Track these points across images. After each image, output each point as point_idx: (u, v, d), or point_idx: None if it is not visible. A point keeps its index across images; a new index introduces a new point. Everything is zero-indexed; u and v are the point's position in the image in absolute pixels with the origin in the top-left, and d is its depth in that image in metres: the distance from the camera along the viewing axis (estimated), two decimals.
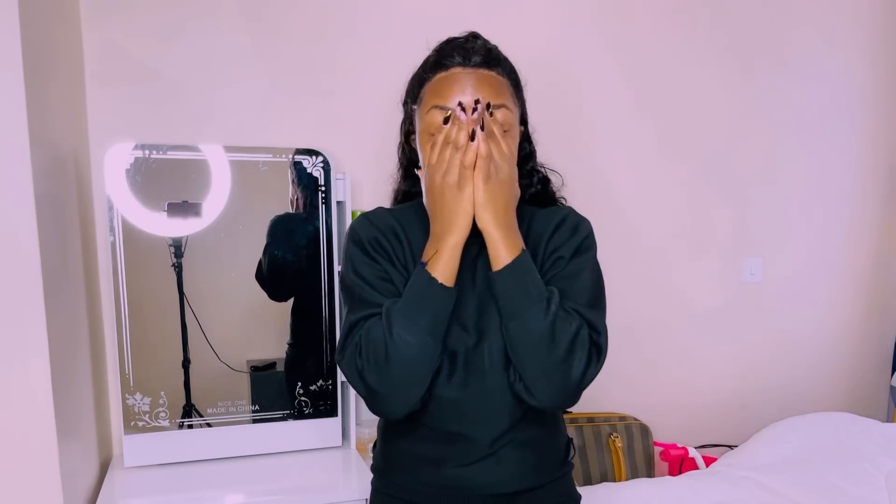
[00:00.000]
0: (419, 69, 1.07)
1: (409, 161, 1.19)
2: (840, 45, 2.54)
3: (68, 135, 1.62)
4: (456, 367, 1.02)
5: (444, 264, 0.95)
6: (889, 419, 2.78)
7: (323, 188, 1.82)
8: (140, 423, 1.74)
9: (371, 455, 1.95)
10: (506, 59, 1.06)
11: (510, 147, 0.96)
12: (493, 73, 1.01)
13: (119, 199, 1.67)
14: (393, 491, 1.13)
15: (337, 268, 1.86)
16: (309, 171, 1.81)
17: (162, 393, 1.75)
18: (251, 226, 1.79)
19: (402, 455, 1.11)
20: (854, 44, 2.56)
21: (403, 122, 1.15)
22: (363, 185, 2.05)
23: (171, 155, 1.70)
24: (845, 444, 2.25)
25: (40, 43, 1.37)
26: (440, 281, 0.95)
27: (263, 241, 1.80)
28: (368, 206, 2.04)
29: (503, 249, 0.95)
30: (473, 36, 1.07)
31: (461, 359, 1.02)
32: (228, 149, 1.75)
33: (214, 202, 1.75)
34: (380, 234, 1.06)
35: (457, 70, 1.00)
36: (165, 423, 1.76)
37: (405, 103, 1.11)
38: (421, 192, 1.05)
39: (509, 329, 0.96)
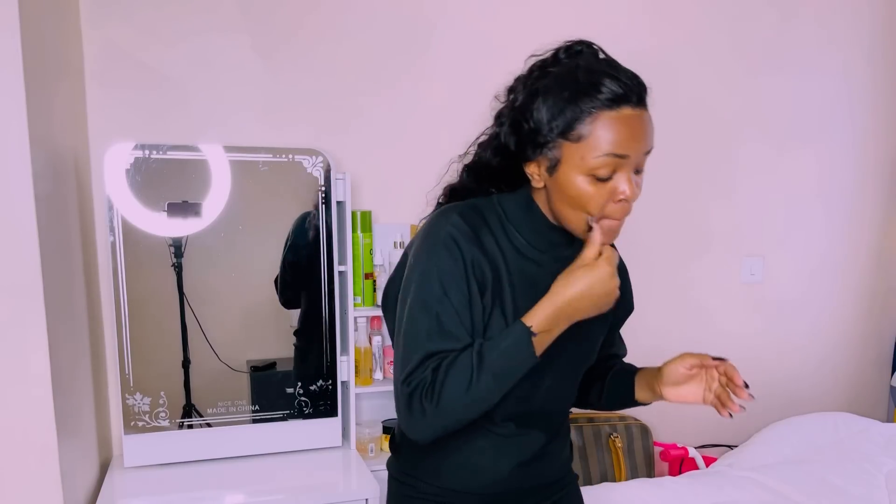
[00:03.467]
0: (565, 91, 0.93)
1: (504, 168, 1.05)
2: (840, 43, 2.54)
3: (68, 135, 1.62)
4: (540, 369, 1.01)
5: (550, 342, 0.95)
6: (889, 419, 2.78)
7: (323, 188, 1.82)
8: (140, 423, 1.74)
9: (371, 454, 1.96)
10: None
11: None
12: (649, 115, 0.98)
13: (119, 200, 1.67)
14: (427, 493, 1.10)
15: (338, 267, 1.86)
16: (309, 171, 1.81)
17: (162, 393, 1.75)
18: (251, 226, 1.79)
19: (449, 461, 1.08)
20: (854, 42, 2.55)
21: (520, 132, 0.98)
22: (363, 185, 2.05)
23: (171, 155, 1.70)
24: (845, 444, 2.25)
25: (40, 43, 1.37)
26: (537, 356, 0.94)
27: (265, 241, 1.81)
28: (368, 206, 2.06)
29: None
30: (599, 49, 1.00)
31: (547, 377, 1.06)
32: (228, 149, 1.75)
33: (214, 202, 1.75)
34: (480, 252, 0.98)
35: (627, 112, 0.93)
36: (165, 423, 1.76)
37: (529, 119, 0.97)
38: (472, 192, 1.08)
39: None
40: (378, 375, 2.00)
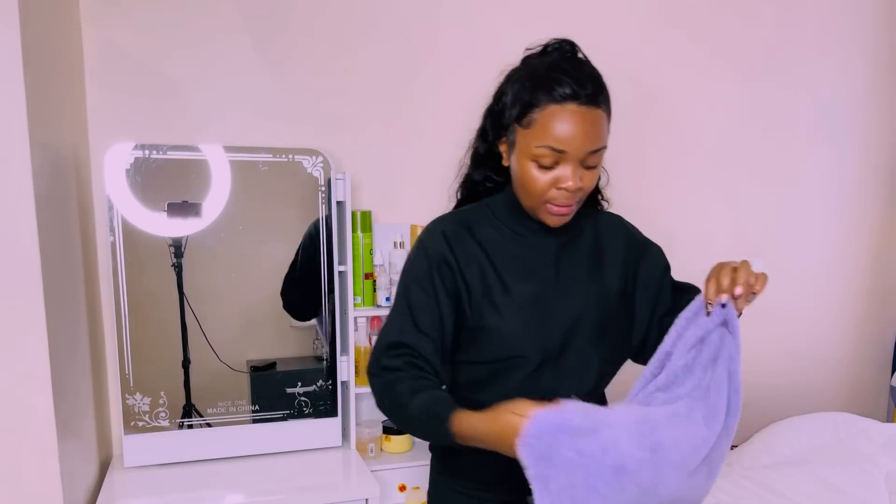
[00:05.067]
0: (528, 81, 1.04)
1: (486, 152, 1.17)
2: (841, 44, 2.54)
3: (68, 135, 1.62)
4: (552, 357, 1.11)
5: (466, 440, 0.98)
6: (889, 419, 2.78)
7: (323, 188, 1.82)
8: (140, 423, 1.74)
9: (371, 454, 1.96)
10: (604, 85, 1.07)
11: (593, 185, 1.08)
12: (599, 111, 1.03)
13: (119, 199, 1.67)
14: (462, 473, 1.18)
15: (338, 267, 1.86)
16: (309, 171, 1.81)
17: (162, 393, 1.75)
18: (251, 226, 1.79)
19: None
20: (856, 43, 2.55)
21: (493, 114, 1.13)
22: (363, 185, 2.05)
23: (171, 155, 1.70)
24: (845, 444, 2.24)
25: (40, 43, 1.37)
26: (451, 440, 0.99)
27: (265, 241, 1.81)
28: (368, 206, 2.06)
29: None
30: (572, 49, 1.09)
31: (557, 351, 1.11)
32: (228, 149, 1.75)
33: (214, 202, 1.75)
34: (452, 255, 1.10)
35: (571, 107, 1.00)
36: (165, 423, 1.76)
37: (500, 102, 1.10)
38: (490, 189, 1.18)
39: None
40: None
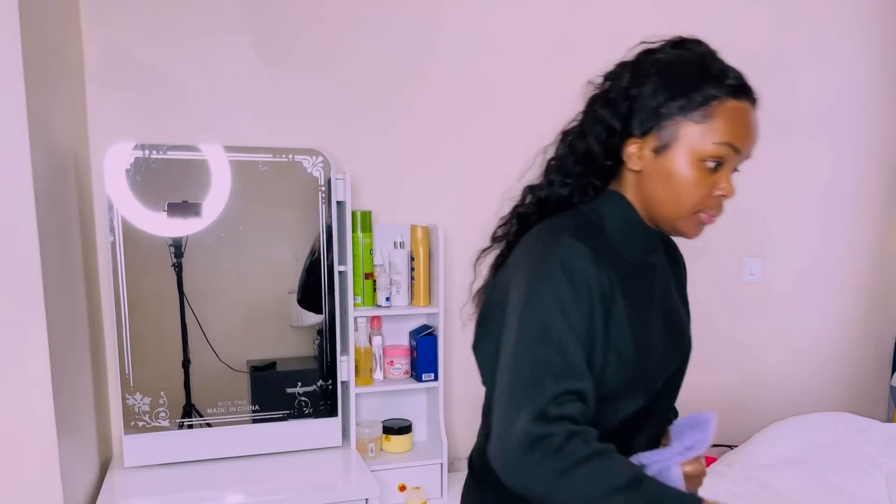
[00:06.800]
0: (690, 71, 0.92)
1: (599, 149, 0.96)
2: (842, 43, 2.53)
3: (68, 135, 1.62)
4: (651, 400, 1.00)
5: None
6: (889, 419, 2.78)
7: (323, 188, 1.82)
8: (140, 423, 1.74)
9: (372, 454, 1.95)
10: None
11: None
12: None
13: (119, 199, 1.67)
14: None
15: (338, 267, 1.86)
16: (309, 171, 1.81)
17: (162, 393, 1.75)
18: (251, 226, 1.79)
19: None
20: (856, 42, 2.55)
21: (626, 104, 0.93)
22: (363, 185, 2.05)
23: (171, 155, 1.70)
24: (845, 444, 2.24)
25: (40, 43, 1.37)
26: None
27: (265, 241, 1.81)
28: (368, 206, 2.05)
29: None
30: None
31: (655, 392, 1.01)
32: (228, 149, 1.75)
33: (214, 202, 1.75)
34: (596, 273, 0.88)
35: (748, 106, 0.93)
36: (165, 423, 1.76)
37: (639, 91, 0.92)
38: (558, 192, 0.99)
39: None
40: (378, 375, 2.00)
